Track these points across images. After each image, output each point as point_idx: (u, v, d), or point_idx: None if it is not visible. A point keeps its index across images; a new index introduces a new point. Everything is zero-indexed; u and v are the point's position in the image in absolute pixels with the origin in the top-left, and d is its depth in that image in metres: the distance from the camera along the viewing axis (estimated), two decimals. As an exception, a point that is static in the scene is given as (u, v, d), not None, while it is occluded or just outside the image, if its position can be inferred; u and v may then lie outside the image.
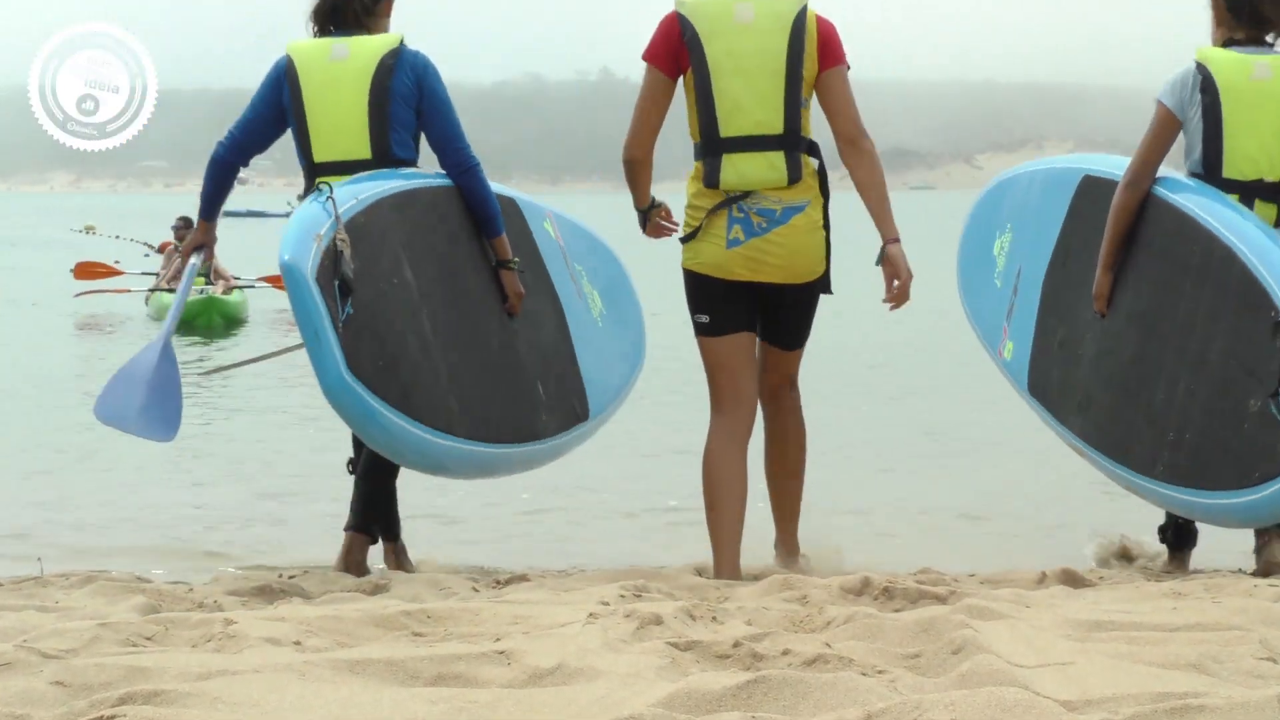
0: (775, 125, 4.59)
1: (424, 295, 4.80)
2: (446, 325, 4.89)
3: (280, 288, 18.73)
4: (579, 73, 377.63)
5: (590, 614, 4.24)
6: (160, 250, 20.47)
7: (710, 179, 4.67)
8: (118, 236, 27.09)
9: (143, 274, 19.35)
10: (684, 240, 4.82)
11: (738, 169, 4.63)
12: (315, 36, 5.07)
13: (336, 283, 4.38)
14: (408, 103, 4.93)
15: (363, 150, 4.90)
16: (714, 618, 4.35)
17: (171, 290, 17.38)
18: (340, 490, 7.44)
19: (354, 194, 4.64)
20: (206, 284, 17.25)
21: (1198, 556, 6.14)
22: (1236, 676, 3.62)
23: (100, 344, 16.22)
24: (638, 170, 4.89)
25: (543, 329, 5.54)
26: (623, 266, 6.48)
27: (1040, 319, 5.48)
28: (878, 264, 4.71)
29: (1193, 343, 4.71)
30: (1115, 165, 5.25)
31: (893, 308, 4.79)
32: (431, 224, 4.97)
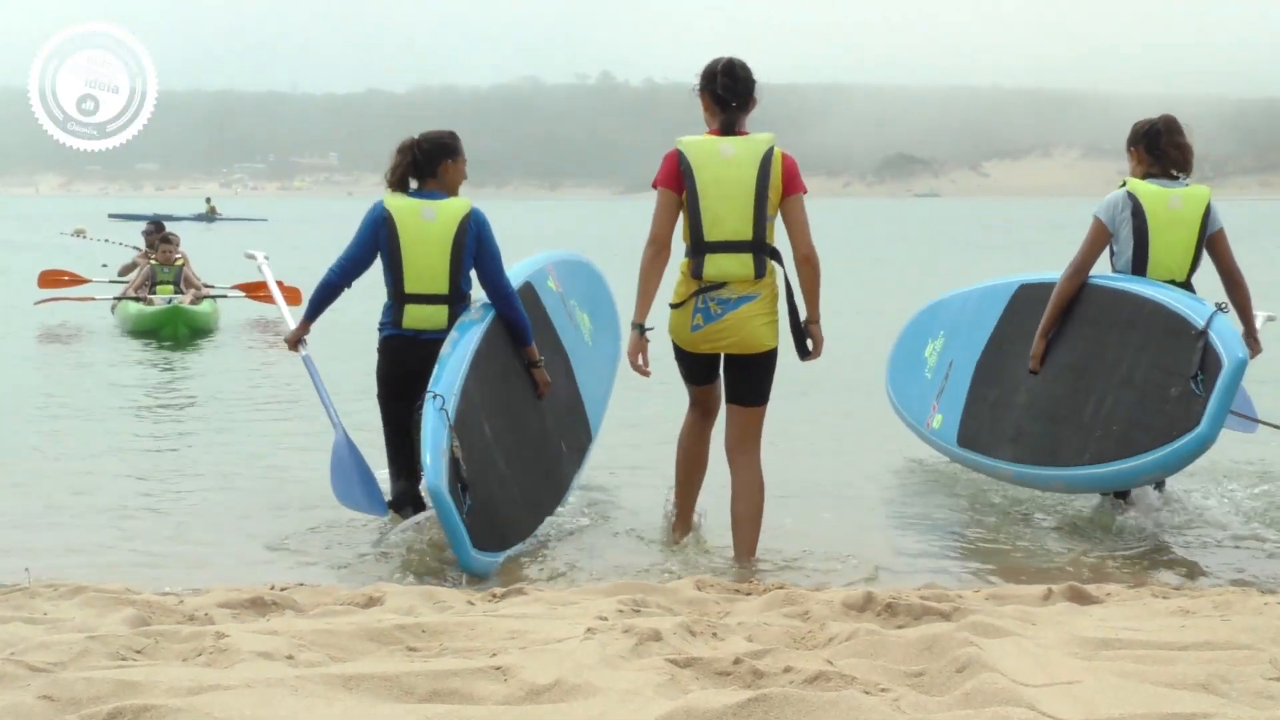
0: (746, 234, 5.98)
1: (496, 437, 6.42)
2: (510, 448, 6.56)
3: (255, 297, 17.92)
4: (578, 75, 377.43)
5: (588, 629, 4.24)
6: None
7: (696, 272, 6.03)
8: (107, 240, 27.07)
9: (110, 282, 18.59)
10: (672, 306, 6.19)
11: (717, 265, 6.00)
12: (395, 189, 6.78)
13: (459, 485, 5.86)
14: (470, 253, 6.68)
15: (443, 288, 6.66)
16: (714, 633, 4.35)
17: (138, 299, 16.40)
18: (331, 503, 7.45)
19: (450, 386, 6.13)
20: (176, 292, 16.60)
21: (1203, 570, 6.16)
22: (1246, 697, 3.62)
23: (61, 354, 15.17)
24: (658, 260, 6.10)
25: (559, 389, 7.22)
26: (595, 270, 8.39)
27: (972, 391, 7.48)
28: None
29: (1120, 370, 6.46)
30: (1046, 276, 7.24)
31: (806, 361, 6.29)
32: (491, 366, 6.53)
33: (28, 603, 4.95)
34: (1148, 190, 6.74)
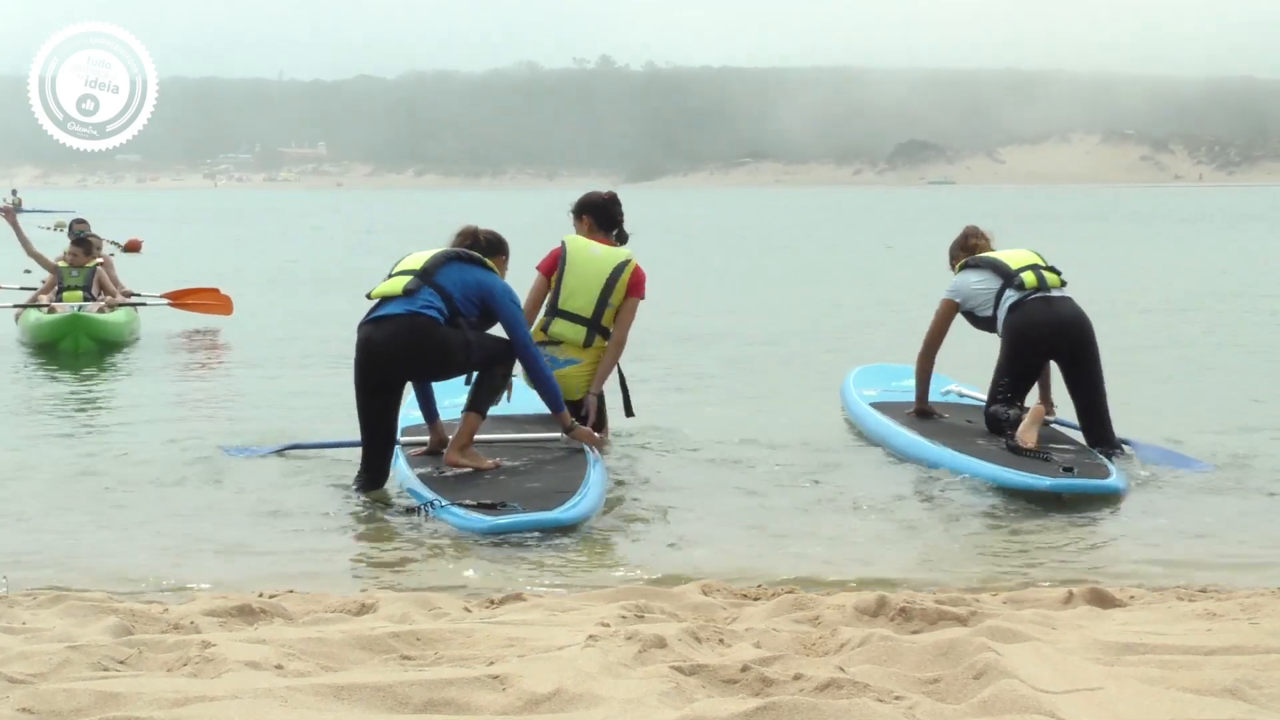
0: (587, 312, 8.37)
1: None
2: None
3: (182, 305, 16.88)
4: (577, 60, 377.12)
5: (589, 636, 4.24)
6: (122, 248, 18.94)
7: (544, 327, 8.36)
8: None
9: (20, 289, 16.61)
10: None
11: (560, 327, 8.38)
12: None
13: (495, 505, 6.92)
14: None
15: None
16: (720, 640, 4.36)
17: (39, 306, 14.74)
18: (323, 508, 7.45)
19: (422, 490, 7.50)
20: (87, 298, 15.01)
21: (1229, 572, 6.15)
22: (1276, 703, 3.62)
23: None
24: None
25: None
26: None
27: (895, 408, 9.32)
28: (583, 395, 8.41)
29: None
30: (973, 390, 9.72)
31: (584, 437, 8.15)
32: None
33: (6, 612, 4.96)
34: (980, 256, 8.98)
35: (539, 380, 7.86)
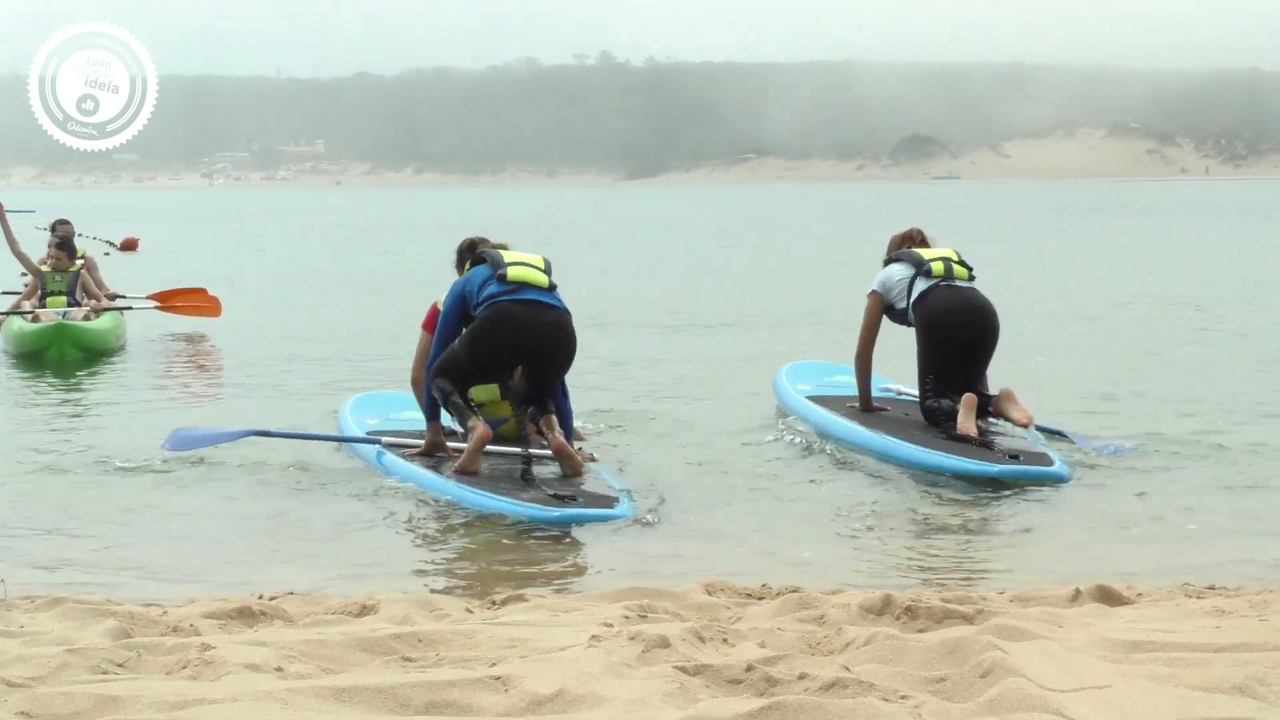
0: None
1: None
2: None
3: (170, 309, 16.62)
4: (577, 56, 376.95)
5: (592, 636, 4.24)
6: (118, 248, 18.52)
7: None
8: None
9: (4, 293, 16.20)
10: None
11: (474, 392, 7.84)
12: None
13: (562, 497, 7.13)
14: None
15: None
16: (724, 639, 4.35)
17: (23, 314, 14.24)
18: (322, 510, 7.46)
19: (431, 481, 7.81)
20: (71, 304, 14.55)
21: (1237, 569, 6.15)
22: (1285, 700, 3.62)
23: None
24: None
25: None
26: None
27: (832, 401, 9.53)
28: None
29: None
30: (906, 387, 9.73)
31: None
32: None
33: (4, 615, 4.96)
34: (911, 252, 9.28)
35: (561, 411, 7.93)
